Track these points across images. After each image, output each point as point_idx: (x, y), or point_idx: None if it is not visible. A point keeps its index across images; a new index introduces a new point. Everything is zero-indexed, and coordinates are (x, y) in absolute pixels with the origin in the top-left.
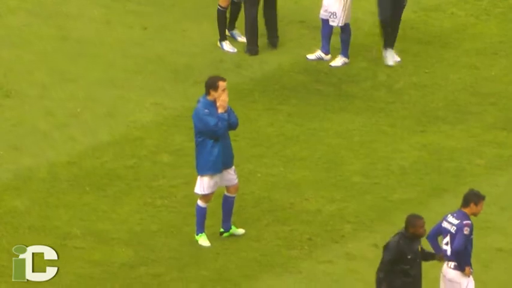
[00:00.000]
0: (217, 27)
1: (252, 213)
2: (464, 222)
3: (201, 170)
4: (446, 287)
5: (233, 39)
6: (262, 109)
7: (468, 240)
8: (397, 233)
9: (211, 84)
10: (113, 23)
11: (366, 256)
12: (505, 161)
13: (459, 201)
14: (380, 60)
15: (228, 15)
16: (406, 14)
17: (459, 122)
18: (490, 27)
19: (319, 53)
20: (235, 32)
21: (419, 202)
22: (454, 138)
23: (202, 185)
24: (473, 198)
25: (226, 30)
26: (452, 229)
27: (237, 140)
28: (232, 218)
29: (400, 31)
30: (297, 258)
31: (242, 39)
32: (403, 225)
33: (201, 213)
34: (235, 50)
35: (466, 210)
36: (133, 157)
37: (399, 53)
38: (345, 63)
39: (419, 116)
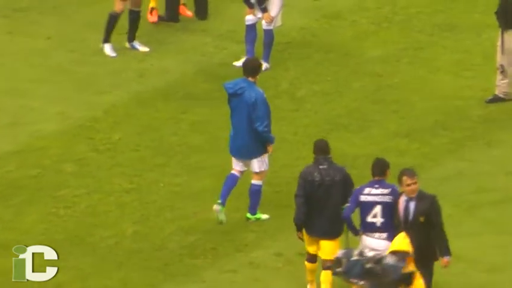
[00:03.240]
0: (105, 29)
1: (155, 222)
2: (396, 188)
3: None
4: None
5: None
6: (165, 118)
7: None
8: (329, 164)
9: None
10: (16, 33)
11: (269, 265)
12: None
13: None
14: (282, 68)
15: (127, 26)
16: (308, 22)
17: (361, 129)
18: (392, 35)
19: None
20: (135, 43)
21: None
22: (357, 145)
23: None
24: (386, 166)
25: (127, 43)
26: (386, 199)
27: (139, 149)
28: (136, 227)
29: (301, 38)
30: (201, 268)
31: (143, 48)
32: None
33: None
34: (116, 55)
35: (384, 178)
36: (37, 167)
37: (301, 61)
38: (266, 69)
39: (322, 123)
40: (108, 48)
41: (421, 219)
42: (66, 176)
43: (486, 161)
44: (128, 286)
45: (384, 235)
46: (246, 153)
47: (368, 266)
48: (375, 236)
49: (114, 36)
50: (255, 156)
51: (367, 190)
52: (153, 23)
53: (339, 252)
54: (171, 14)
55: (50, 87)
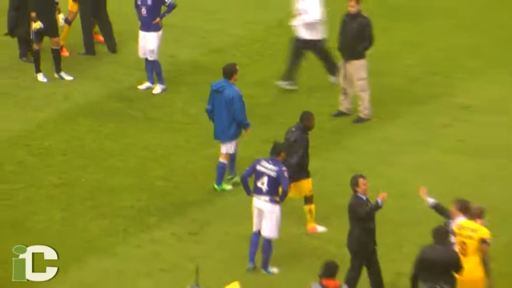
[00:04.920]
0: (34, 63)
1: (80, 209)
2: (283, 168)
3: None
4: (266, 217)
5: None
6: (87, 130)
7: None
8: (297, 129)
9: (234, 71)
10: None
11: (167, 242)
12: None
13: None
14: (177, 91)
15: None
16: (196, 57)
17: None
18: (263, 66)
19: (147, 84)
20: (62, 73)
21: (208, 200)
22: (238, 148)
23: None
24: (282, 148)
25: (55, 74)
26: (272, 173)
27: (66, 153)
28: (63, 213)
29: (191, 68)
30: (114, 244)
31: (68, 77)
32: (198, 217)
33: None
34: (47, 81)
35: (279, 158)
36: None
37: (192, 85)
38: (163, 90)
39: (209, 134)
40: (40, 77)
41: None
42: (8, 174)
43: (337, 161)
44: (58, 259)
45: (267, 198)
46: (222, 137)
47: None
48: (261, 199)
49: (48, 67)
50: (228, 141)
51: (263, 162)
52: (65, 56)
53: None
54: (88, 49)
55: None
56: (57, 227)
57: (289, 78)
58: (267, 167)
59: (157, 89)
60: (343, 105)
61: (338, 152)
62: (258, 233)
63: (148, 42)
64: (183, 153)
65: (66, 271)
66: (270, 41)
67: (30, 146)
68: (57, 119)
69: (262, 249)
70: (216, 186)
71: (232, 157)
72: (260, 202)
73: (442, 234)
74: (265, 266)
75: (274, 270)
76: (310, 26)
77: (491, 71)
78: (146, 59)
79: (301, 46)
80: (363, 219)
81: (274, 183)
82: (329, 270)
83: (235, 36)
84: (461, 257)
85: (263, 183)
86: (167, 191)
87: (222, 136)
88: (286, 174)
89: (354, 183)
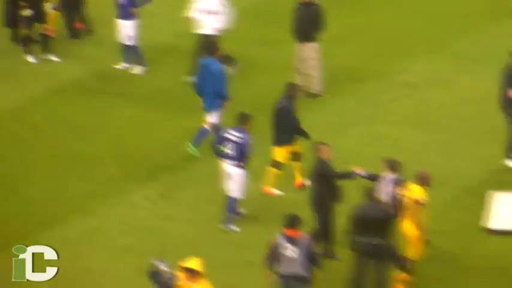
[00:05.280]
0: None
1: (64, 175)
2: (247, 135)
3: None
4: (232, 179)
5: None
6: (71, 105)
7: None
8: (283, 99)
9: (215, 45)
10: None
11: (142, 204)
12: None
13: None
14: (153, 69)
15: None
16: (169, 40)
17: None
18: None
19: (124, 64)
20: (50, 55)
21: (180, 167)
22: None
23: None
24: (246, 119)
25: (43, 55)
26: (238, 140)
27: (54, 127)
28: (49, 178)
29: (165, 51)
30: (95, 205)
31: (55, 58)
32: (171, 182)
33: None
34: (36, 61)
35: (243, 127)
36: None
37: (169, 66)
38: (143, 71)
39: (182, 108)
40: (30, 58)
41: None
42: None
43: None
44: (45, 217)
45: (233, 163)
46: (207, 108)
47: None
48: (228, 162)
49: (37, 49)
50: (211, 111)
51: (230, 130)
52: (52, 39)
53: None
54: (72, 32)
55: None
56: (44, 190)
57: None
58: (234, 134)
59: (138, 69)
60: (298, 82)
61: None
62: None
63: (126, 29)
64: (159, 125)
65: (52, 228)
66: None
67: (22, 120)
68: (44, 96)
69: (227, 207)
70: (190, 146)
71: (215, 127)
72: (227, 166)
73: (371, 193)
74: (227, 222)
75: (235, 228)
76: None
77: (429, 52)
78: (125, 44)
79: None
80: (326, 177)
81: (239, 149)
82: (291, 222)
83: None
84: (401, 215)
85: (230, 149)
86: (143, 158)
87: (207, 107)
88: (249, 141)
89: (317, 150)
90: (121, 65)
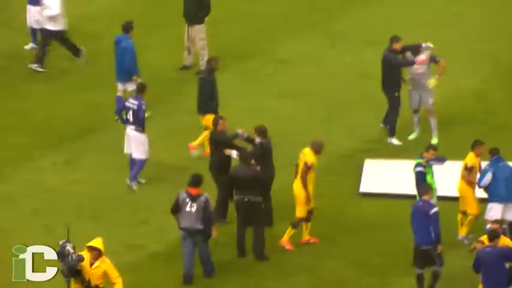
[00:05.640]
0: None
1: None
2: (142, 102)
3: None
4: (135, 143)
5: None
6: None
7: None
8: (203, 71)
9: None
10: None
11: (48, 169)
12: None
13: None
14: (55, 52)
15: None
16: (74, 23)
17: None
18: None
19: (31, 45)
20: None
21: (83, 136)
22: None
23: None
24: (143, 87)
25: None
26: (135, 107)
27: None
28: None
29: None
30: (6, 172)
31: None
32: (75, 150)
33: None
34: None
35: (141, 95)
36: None
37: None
38: (46, 52)
39: (81, 82)
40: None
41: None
42: None
43: (178, 103)
44: None
45: (133, 127)
46: (120, 79)
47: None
48: (129, 128)
49: None
50: (125, 82)
51: (130, 99)
52: None
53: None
54: None
55: None
56: None
57: (39, 62)
58: (132, 102)
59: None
60: (187, 60)
61: (179, 97)
62: (131, 156)
63: (34, 14)
64: (61, 99)
65: None
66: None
67: None
68: None
69: (135, 167)
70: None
71: (118, 98)
72: (129, 130)
73: (246, 157)
74: (131, 179)
75: (136, 185)
76: (52, 18)
77: (305, 32)
78: (32, 27)
79: (47, 36)
80: (223, 145)
81: (136, 114)
82: (194, 181)
83: (99, 6)
84: (295, 177)
85: (130, 115)
86: (48, 129)
87: (119, 79)
88: (143, 107)
89: (215, 123)
90: (29, 46)
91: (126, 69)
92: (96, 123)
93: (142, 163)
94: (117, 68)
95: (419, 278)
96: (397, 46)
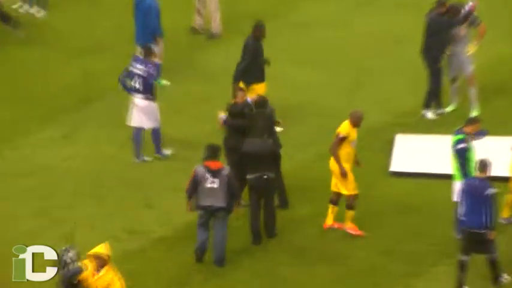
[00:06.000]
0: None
1: None
2: (149, 65)
3: None
4: (145, 113)
5: None
6: None
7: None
8: (249, 37)
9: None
10: None
11: (45, 144)
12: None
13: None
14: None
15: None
16: None
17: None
18: None
19: (19, 3)
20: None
21: (79, 108)
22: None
23: None
24: (150, 50)
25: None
26: (143, 73)
27: None
28: None
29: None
30: (1, 149)
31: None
32: (71, 123)
33: None
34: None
35: (149, 59)
36: None
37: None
38: (44, 15)
39: (75, 47)
40: None
41: None
42: None
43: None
44: None
45: (143, 96)
46: (140, 40)
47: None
48: (137, 96)
49: None
50: (145, 43)
51: (135, 64)
52: None
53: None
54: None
55: None
56: None
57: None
58: (139, 68)
59: (41, 13)
60: (198, 23)
61: (189, 64)
62: (139, 129)
63: None
64: (55, 67)
65: None
66: None
67: None
68: None
69: (152, 140)
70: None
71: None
72: (137, 100)
73: (261, 131)
74: (158, 150)
75: (168, 152)
76: None
77: None
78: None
79: None
80: (238, 117)
81: (145, 81)
82: (212, 152)
83: None
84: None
85: (137, 83)
86: (42, 101)
87: (140, 39)
88: (152, 71)
89: (234, 94)
90: (20, 6)
91: (151, 29)
92: (95, 92)
93: (157, 132)
94: (139, 29)
95: (463, 266)
96: (443, 10)
